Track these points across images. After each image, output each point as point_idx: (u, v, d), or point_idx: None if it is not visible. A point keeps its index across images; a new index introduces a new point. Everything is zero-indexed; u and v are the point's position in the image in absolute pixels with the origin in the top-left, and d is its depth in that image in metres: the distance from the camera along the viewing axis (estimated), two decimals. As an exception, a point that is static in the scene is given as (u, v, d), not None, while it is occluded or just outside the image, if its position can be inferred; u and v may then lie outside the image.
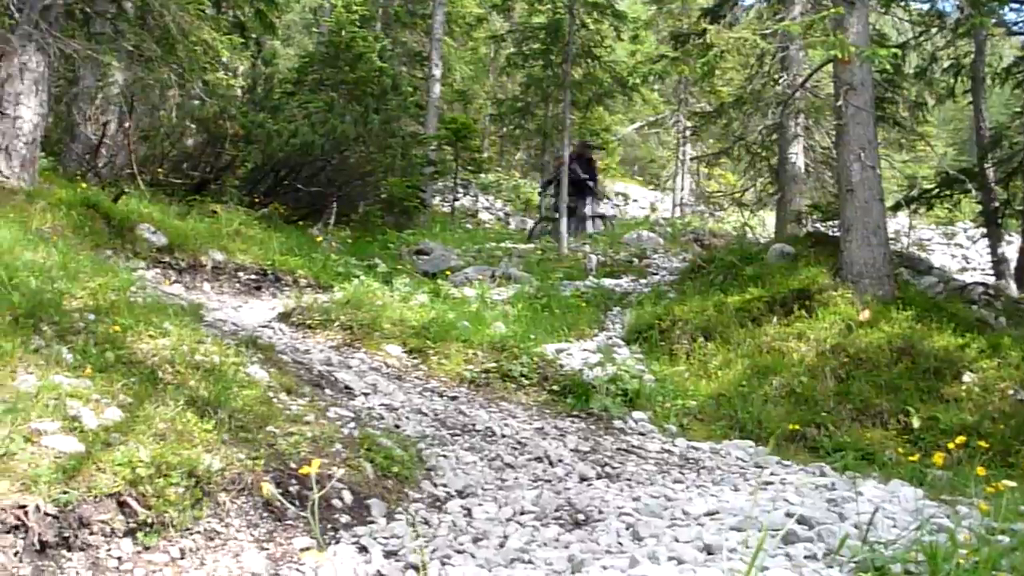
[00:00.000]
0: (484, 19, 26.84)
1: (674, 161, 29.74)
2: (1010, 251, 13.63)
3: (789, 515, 3.84)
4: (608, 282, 11.85)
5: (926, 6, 12.29)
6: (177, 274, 9.19)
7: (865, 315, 8.13)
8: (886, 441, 6.68)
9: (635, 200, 31.72)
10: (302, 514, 3.69)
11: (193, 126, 13.24)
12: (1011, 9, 12.84)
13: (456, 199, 22.77)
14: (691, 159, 26.23)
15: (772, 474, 5.42)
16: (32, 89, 8.74)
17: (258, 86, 14.97)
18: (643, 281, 12.02)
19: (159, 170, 12.33)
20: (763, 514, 3.95)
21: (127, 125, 11.63)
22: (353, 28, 17.32)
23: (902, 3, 11.35)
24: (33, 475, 3.32)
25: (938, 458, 3.74)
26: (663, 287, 10.82)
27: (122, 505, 3.43)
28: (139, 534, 3.40)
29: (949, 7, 11.34)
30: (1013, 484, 3.74)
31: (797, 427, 6.74)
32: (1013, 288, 11.41)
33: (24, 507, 3.19)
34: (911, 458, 5.94)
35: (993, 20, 11.27)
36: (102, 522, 3.34)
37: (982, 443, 5.98)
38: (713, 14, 15.12)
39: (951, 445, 5.18)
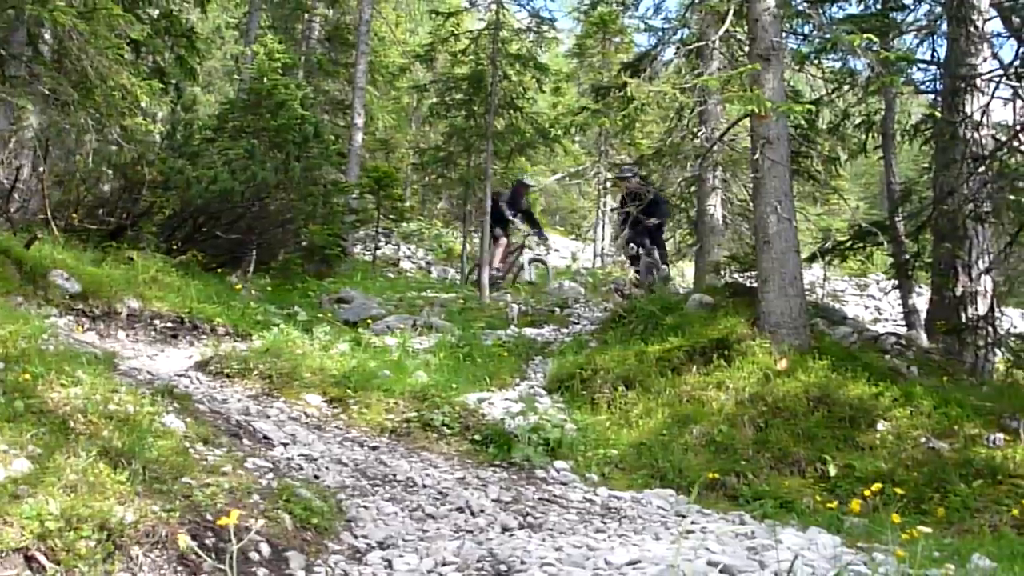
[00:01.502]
0: (407, 69, 27.00)
1: (595, 212, 30.11)
2: (920, 302, 13.97)
3: (711, 564, 3.86)
4: (530, 331, 11.88)
5: (838, 64, 12.63)
6: (91, 322, 8.97)
7: (782, 364, 8.27)
8: (804, 489, 6.77)
9: (556, 250, 31.97)
10: (219, 567, 3.59)
11: (110, 171, 13.01)
12: (919, 69, 13.32)
13: (378, 248, 22.74)
14: (612, 210, 26.53)
15: (693, 523, 5.45)
16: (-58, 131, 8.53)
17: (177, 132, 14.78)
18: (565, 330, 12.06)
19: (74, 216, 12.07)
20: (685, 563, 3.96)
21: (41, 169, 11.39)
22: (275, 76, 17.27)
23: (815, 61, 11.67)
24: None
25: (855, 505, 3.80)
26: (584, 336, 10.87)
27: (29, 560, 3.31)
28: (46, 591, 3.28)
29: (860, 66, 11.69)
30: (927, 530, 3.82)
31: (717, 475, 6.79)
32: (924, 338, 11.69)
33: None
34: (828, 505, 6.02)
35: (902, 79, 11.66)
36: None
37: (897, 490, 6.09)
38: (633, 68, 15.39)
39: (867, 492, 5.27)
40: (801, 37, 12.94)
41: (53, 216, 11.16)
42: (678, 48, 15.71)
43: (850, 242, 13.18)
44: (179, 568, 3.67)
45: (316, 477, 5.51)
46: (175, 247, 12.77)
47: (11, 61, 11.10)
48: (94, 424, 4.65)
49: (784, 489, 6.71)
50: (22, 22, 11.35)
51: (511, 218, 16.77)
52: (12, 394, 4.64)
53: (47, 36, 12.07)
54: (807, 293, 9.94)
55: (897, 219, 13.38)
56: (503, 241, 17.01)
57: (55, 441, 4.23)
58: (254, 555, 3.99)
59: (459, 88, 20.59)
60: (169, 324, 9.63)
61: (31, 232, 10.12)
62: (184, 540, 2.43)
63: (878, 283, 26.36)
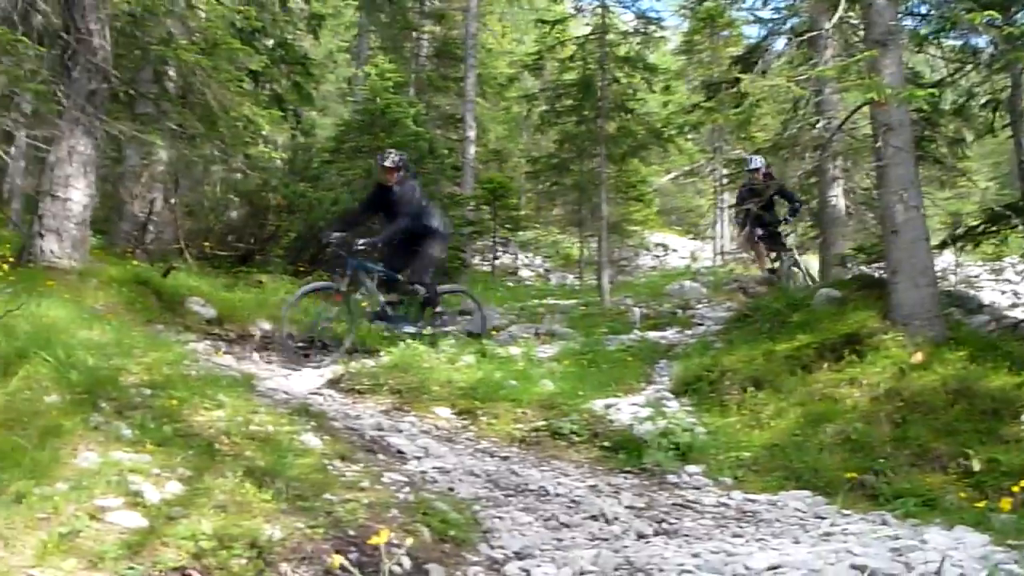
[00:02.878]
0: (515, 79, 27.12)
1: (713, 209, 29.74)
2: (1061, 285, 13.44)
3: (854, 567, 3.78)
4: (653, 335, 11.82)
5: (959, 43, 12.22)
6: (227, 345, 9.30)
7: (918, 357, 8.02)
8: (947, 486, 6.54)
9: (675, 250, 31.71)
10: (367, 583, 3.69)
11: (236, 199, 13.49)
12: (1046, 43, 12.77)
13: (496, 257, 22.91)
14: (730, 206, 26.14)
15: (832, 524, 5.34)
16: (80, 171, 8.98)
17: (298, 157, 15.23)
18: (688, 332, 11.97)
19: (205, 243, 12.56)
20: (828, 567, 3.89)
21: (173, 201, 11.89)
22: (387, 95, 17.60)
23: (935, 41, 11.32)
24: (99, 552, 3.36)
25: (1005, 503, 3.67)
26: (709, 337, 10.74)
27: (186, 579, 3.46)
28: (204, 608, 3.42)
29: (983, 43, 11.30)
30: (1083, 526, 3.67)
31: (855, 475, 6.61)
32: (1067, 322, 11.21)
33: (91, 585, 3.23)
34: (975, 503, 5.82)
35: (1027, 54, 11.22)
36: (168, 597, 3.36)
37: (1046, 484, 5.85)
38: (744, 61, 15.20)
39: (1015, 488, 5.08)
40: (919, 18, 12.57)
41: (186, 245, 11.64)
42: (789, 38, 15.43)
43: (982, 226, 12.71)
44: (326, 583, 3.78)
45: (450, 489, 5.59)
46: (302, 268, 13.15)
47: (140, 100, 11.61)
48: (238, 445, 4.83)
49: (926, 487, 6.50)
50: (148, 61, 11.87)
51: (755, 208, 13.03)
52: (161, 419, 4.85)
53: (172, 73, 12.58)
54: (939, 281, 9.65)
55: (1030, 199, 12.86)
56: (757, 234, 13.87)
57: (203, 463, 4.40)
58: (396, 568, 4.07)
59: (569, 94, 20.61)
60: (300, 344, 9.90)
61: (167, 262, 10.56)
62: (338, 559, 2.52)
63: (1014, 267, 25.32)
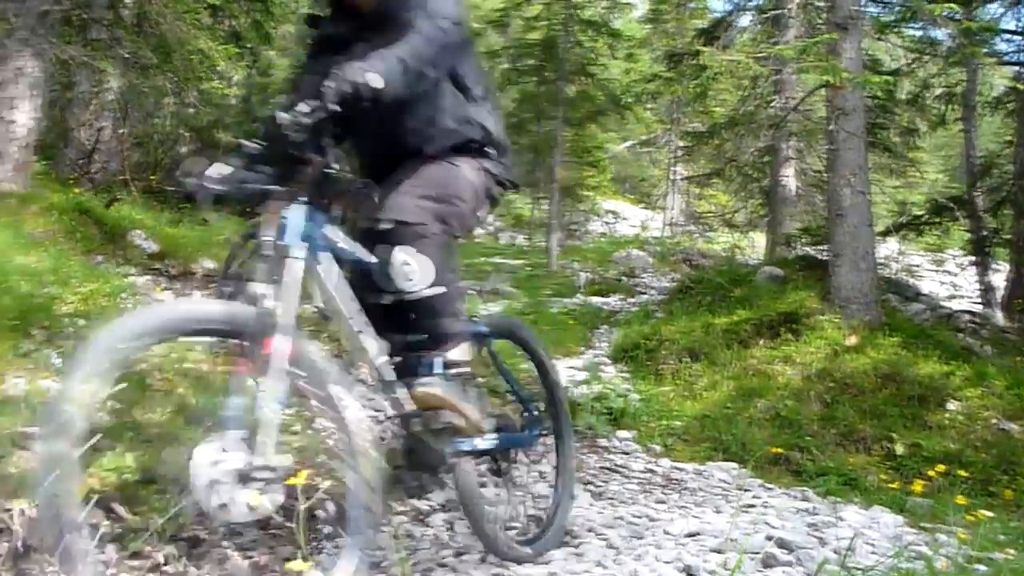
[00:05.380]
0: (480, 34, 26.86)
1: (665, 180, 29.81)
2: (998, 279, 13.68)
3: (769, 538, 3.86)
4: (596, 300, 11.90)
5: (919, 34, 12.34)
6: (168, 281, 9.16)
7: (852, 340, 8.18)
8: (869, 467, 6.71)
9: (626, 218, 31.79)
10: (286, 523, 3.69)
11: (187, 134, 13.24)
12: (1003, 40, 12.94)
13: (448, 213, 22.77)
14: (683, 179, 26.20)
15: (754, 497, 5.45)
16: (27, 94, 8.74)
17: (253, 95, 14.97)
18: (631, 300, 12.05)
19: (152, 177, 12.32)
20: (744, 536, 3.97)
21: (121, 132, 11.64)
22: (349, 40, 17.31)
23: (895, 30, 11.42)
24: (20, 479, 3.32)
25: (918, 486, 3.78)
26: (651, 306, 10.85)
27: (109, 510, 3.43)
28: (124, 539, 3.40)
29: (942, 35, 11.40)
30: (991, 514, 3.78)
31: (781, 450, 6.75)
32: (1000, 317, 11.47)
33: (9, 511, 3.19)
34: (893, 485, 5.97)
35: (985, 50, 11.36)
36: (88, 527, 3.33)
37: (963, 472, 6.01)
38: (708, 35, 15.18)
39: (933, 473, 5.22)
40: (881, 5, 12.65)
41: (132, 177, 11.41)
42: (754, 15, 15.47)
43: (927, 217, 12.94)
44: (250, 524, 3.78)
45: (381, 439, 5.60)
46: (248, 209, 12.96)
47: (93, 25, 11.31)
48: (170, 381, 4.78)
49: (849, 466, 6.66)
50: (104, -14, 11.56)
51: None
52: (93, 351, 4.77)
53: (128, 1, 12.26)
54: (881, 268, 9.81)
55: (976, 193, 13.09)
56: None
57: (133, 397, 4.36)
58: (320, 513, 4.09)
59: (531, 54, 20.52)
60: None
61: (111, 193, 10.36)
62: (256, 498, 2.53)
63: (955, 259, 25.72)
